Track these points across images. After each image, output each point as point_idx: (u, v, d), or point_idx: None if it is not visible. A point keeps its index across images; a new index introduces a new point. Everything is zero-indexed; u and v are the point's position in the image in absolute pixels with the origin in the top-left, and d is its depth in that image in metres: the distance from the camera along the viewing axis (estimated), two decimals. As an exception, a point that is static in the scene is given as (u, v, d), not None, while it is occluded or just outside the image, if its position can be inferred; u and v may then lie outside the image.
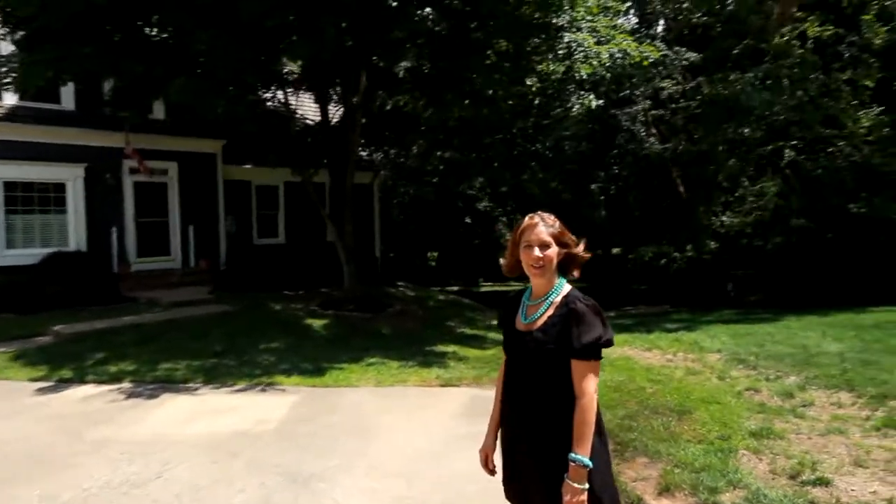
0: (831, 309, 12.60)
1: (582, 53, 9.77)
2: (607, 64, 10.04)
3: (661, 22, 19.41)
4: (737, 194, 14.64)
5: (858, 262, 15.41)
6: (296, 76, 12.85)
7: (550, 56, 9.66)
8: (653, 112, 17.60)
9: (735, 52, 14.00)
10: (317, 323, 9.68)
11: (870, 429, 4.42)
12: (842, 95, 11.89)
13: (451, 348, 8.09)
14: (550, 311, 1.98)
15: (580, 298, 1.97)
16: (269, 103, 12.29)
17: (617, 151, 18.93)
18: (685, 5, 17.02)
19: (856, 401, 5.28)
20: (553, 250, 1.99)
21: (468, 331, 9.86)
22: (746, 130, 12.72)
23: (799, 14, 15.17)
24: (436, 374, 6.46)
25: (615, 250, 23.13)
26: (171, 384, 6.18)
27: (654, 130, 17.45)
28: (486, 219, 35.18)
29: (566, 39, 9.55)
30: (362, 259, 12.66)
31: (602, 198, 17.72)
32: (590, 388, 1.86)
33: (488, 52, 9.60)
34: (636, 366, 6.90)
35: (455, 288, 26.76)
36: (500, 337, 7.78)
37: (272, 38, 8.89)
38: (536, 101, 10.65)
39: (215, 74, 8.51)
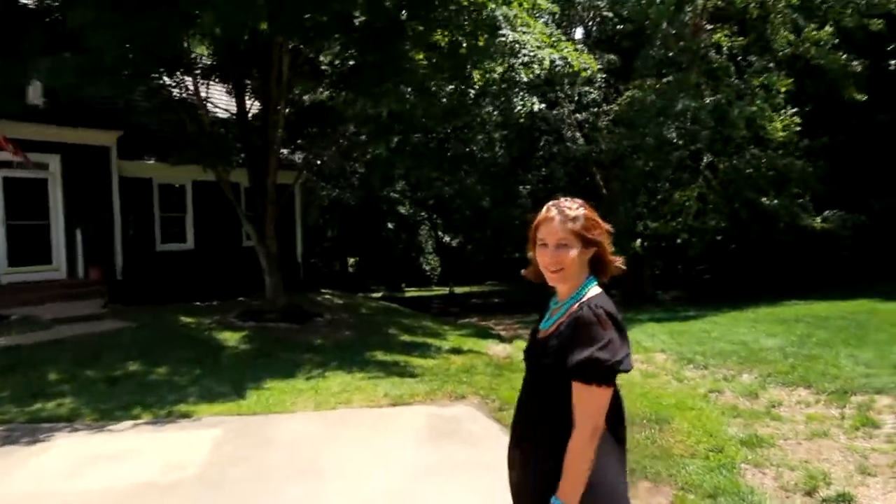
0: (747, 304, 13.25)
1: (525, 56, 9.48)
2: (547, 69, 9.87)
3: (580, 29, 19.88)
4: (659, 197, 15.11)
5: (767, 260, 16.56)
6: (206, 64, 11.51)
7: (493, 53, 9.21)
8: (577, 115, 17.91)
9: (655, 57, 14.49)
10: (235, 337, 8.56)
11: (850, 429, 4.29)
12: (757, 96, 12.57)
13: (393, 358, 7.37)
14: (563, 319, 1.59)
15: (593, 305, 1.54)
16: (175, 91, 10.85)
17: (542, 154, 19.07)
18: (606, 13, 17.52)
19: (818, 398, 5.23)
20: (574, 251, 1.58)
21: (408, 338, 9.15)
22: (671, 131, 13.12)
23: (709, 26, 16.08)
24: (384, 392, 5.72)
25: None
26: (52, 423, 4.95)
27: (578, 133, 17.75)
28: (408, 224, 34.50)
29: (510, 38, 9.15)
30: (284, 265, 11.50)
31: (530, 200, 17.72)
32: (586, 421, 1.47)
33: (430, 40, 8.97)
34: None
35: (379, 294, 25.87)
36: (444, 344, 7.01)
37: (171, 16, 7.66)
38: (474, 100, 10.20)
39: (101, 56, 7.17)
